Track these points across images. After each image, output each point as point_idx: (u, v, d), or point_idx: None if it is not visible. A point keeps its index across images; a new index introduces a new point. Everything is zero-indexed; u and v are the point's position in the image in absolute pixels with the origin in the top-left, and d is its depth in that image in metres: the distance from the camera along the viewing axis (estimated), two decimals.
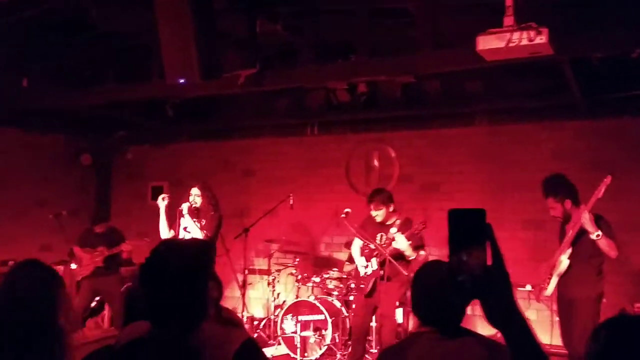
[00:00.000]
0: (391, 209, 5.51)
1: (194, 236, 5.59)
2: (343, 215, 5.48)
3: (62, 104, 6.70)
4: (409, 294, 5.24)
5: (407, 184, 7.41)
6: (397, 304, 5.66)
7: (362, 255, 5.64)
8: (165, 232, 5.78)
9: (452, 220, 1.53)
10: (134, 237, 8.61)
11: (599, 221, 4.43)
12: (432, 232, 7.17)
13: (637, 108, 6.25)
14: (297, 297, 6.57)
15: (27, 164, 8.30)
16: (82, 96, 6.45)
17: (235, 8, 5.36)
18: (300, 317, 6.19)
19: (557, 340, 5.56)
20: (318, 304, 6.24)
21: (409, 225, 5.34)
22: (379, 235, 5.45)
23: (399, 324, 5.70)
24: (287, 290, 7.35)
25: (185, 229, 5.67)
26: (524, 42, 3.26)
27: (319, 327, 6.18)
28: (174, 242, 2.04)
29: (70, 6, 5.24)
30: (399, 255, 5.28)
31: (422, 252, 5.47)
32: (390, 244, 5.24)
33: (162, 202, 5.72)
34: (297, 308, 6.30)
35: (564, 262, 4.55)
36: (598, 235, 4.32)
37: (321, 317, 6.17)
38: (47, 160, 8.59)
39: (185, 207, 5.61)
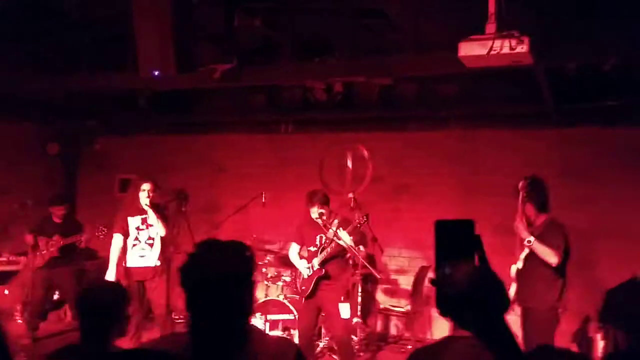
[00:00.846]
0: (328, 209, 5.52)
1: (156, 228, 5.67)
2: (316, 217, 5.41)
3: (32, 91, 6.50)
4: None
5: (379, 185, 7.41)
6: (342, 299, 5.69)
7: (301, 258, 5.65)
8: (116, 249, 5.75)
9: (439, 231, 1.50)
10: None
11: (549, 226, 4.42)
12: (403, 234, 7.26)
13: (606, 118, 6.38)
14: (266, 295, 6.51)
15: None
16: (54, 84, 6.28)
17: (213, 1, 5.27)
18: (269, 316, 6.15)
19: None
20: (287, 303, 6.20)
21: (349, 222, 5.39)
22: (318, 237, 5.48)
23: (346, 320, 5.67)
24: (258, 288, 7.28)
25: (137, 227, 5.71)
26: (506, 50, 3.27)
27: (287, 327, 6.15)
28: (217, 243, 1.83)
29: None
30: (340, 253, 5.41)
31: (361, 248, 5.57)
32: (331, 241, 5.30)
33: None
34: (266, 307, 6.25)
35: (513, 268, 4.56)
36: (529, 242, 4.34)
37: (290, 316, 6.13)
38: (13, 147, 8.34)
39: (145, 202, 5.62)
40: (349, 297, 5.99)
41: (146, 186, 5.70)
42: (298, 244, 5.66)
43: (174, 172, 7.98)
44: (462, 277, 1.53)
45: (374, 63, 5.13)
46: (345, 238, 5.23)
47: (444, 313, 1.55)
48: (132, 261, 5.71)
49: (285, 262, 7.56)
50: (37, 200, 7.32)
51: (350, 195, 6.39)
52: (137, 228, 5.72)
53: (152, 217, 5.65)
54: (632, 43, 4.22)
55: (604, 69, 5.18)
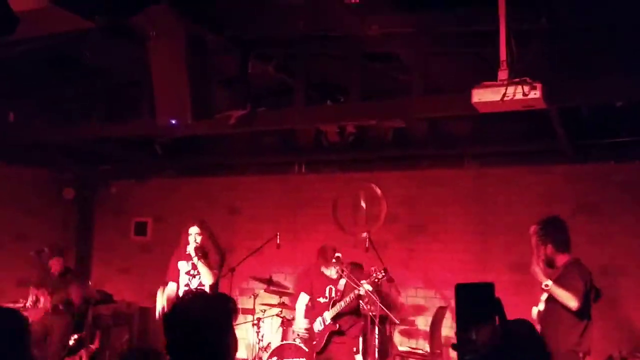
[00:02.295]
0: (340, 262, 5.41)
1: (203, 277, 5.47)
2: (334, 261, 5.35)
3: (49, 139, 6.62)
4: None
5: (393, 224, 7.40)
6: (355, 350, 5.53)
7: (306, 316, 5.58)
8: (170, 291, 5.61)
9: (460, 295, 1.51)
10: (115, 273, 8.51)
11: (569, 267, 4.32)
12: (419, 273, 7.20)
13: (621, 154, 6.37)
14: (282, 339, 6.44)
15: (8, 196, 8.14)
16: (71, 132, 6.39)
17: (227, 48, 5.38)
18: None
19: None
20: (303, 347, 6.13)
21: (360, 270, 5.35)
22: (327, 289, 5.38)
23: None
24: (272, 331, 7.21)
25: (188, 272, 5.55)
26: (519, 96, 3.31)
27: None
28: (198, 293, 2.10)
29: (61, 42, 5.21)
30: (354, 308, 5.31)
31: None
32: (342, 294, 5.24)
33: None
34: (281, 351, 6.18)
35: (535, 310, 4.48)
36: (546, 285, 4.22)
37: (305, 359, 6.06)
38: (29, 193, 8.44)
39: (191, 249, 5.43)
40: (359, 350, 5.77)
41: (193, 230, 5.51)
42: (307, 294, 5.56)
43: (188, 215, 8.01)
44: (485, 341, 1.52)
45: (386, 106, 5.18)
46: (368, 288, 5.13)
47: None
48: None
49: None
50: (53, 245, 7.37)
51: (365, 235, 6.39)
52: (188, 273, 5.54)
53: (199, 264, 5.44)
54: None
55: (617, 106, 5.22)
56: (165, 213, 8.48)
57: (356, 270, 5.38)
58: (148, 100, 5.50)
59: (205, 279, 5.46)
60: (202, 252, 5.48)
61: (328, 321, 5.27)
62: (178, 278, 5.57)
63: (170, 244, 6.60)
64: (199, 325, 1.87)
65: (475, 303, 1.50)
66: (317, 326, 5.34)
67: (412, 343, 7.06)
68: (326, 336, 5.26)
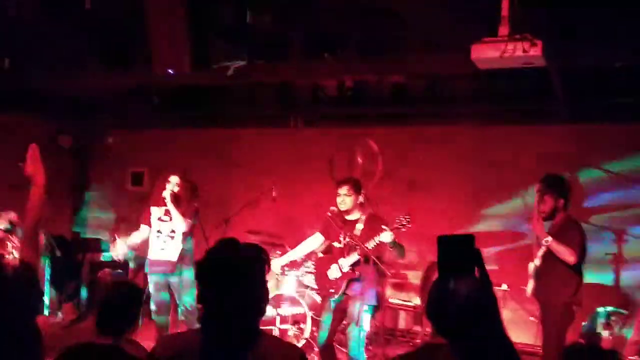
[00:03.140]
0: (360, 199, 5.05)
1: (175, 223, 5.50)
2: (329, 214, 5.07)
3: (45, 86, 6.56)
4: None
5: (389, 181, 7.44)
6: (366, 307, 5.00)
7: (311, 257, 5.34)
8: (142, 233, 5.67)
9: (441, 247, 1.56)
10: (112, 223, 8.58)
11: (567, 224, 4.47)
12: (413, 229, 7.27)
13: (617, 115, 6.38)
14: (277, 289, 6.58)
15: (2, 144, 8.10)
16: (67, 80, 6.33)
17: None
18: (280, 310, 6.22)
19: (528, 339, 5.76)
20: (298, 297, 6.27)
21: (379, 220, 4.94)
22: (342, 234, 4.97)
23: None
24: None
25: (159, 218, 5.58)
26: (518, 53, 3.30)
27: (297, 320, 6.21)
28: (231, 241, 1.94)
29: None
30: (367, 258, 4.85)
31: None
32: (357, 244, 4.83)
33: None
34: (277, 301, 6.31)
35: (531, 266, 4.63)
36: (547, 241, 4.38)
37: (301, 310, 6.20)
38: (24, 141, 8.35)
39: (166, 194, 5.48)
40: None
41: (173, 179, 5.55)
42: (323, 236, 5.22)
43: (185, 166, 8.03)
44: (466, 289, 1.58)
45: (385, 61, 5.15)
46: (387, 237, 4.72)
47: (441, 322, 1.59)
48: (154, 254, 5.60)
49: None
50: (49, 194, 7.39)
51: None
52: (159, 219, 5.60)
53: (172, 210, 5.50)
54: None
55: (617, 67, 5.21)
56: (162, 164, 8.47)
57: (375, 219, 4.99)
58: (144, 50, 5.47)
59: (178, 226, 5.50)
60: (177, 199, 5.52)
61: (345, 269, 4.94)
62: (150, 222, 5.62)
63: None
64: (233, 275, 1.83)
65: (455, 254, 1.56)
66: (334, 273, 4.99)
67: (403, 296, 7.20)
68: (345, 284, 4.94)
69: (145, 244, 5.67)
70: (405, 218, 4.78)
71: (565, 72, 5.24)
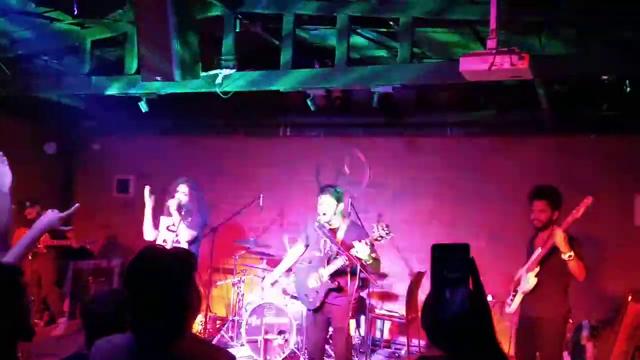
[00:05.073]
0: (340, 208, 5.01)
1: (180, 234, 5.49)
2: (317, 223, 5.02)
3: (32, 92, 6.51)
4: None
5: (376, 189, 7.47)
6: (350, 314, 5.05)
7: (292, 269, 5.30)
8: (149, 231, 5.64)
9: (436, 255, 1.55)
10: (96, 229, 8.50)
11: (572, 242, 4.36)
12: (399, 239, 7.29)
13: (602, 127, 6.45)
14: (262, 298, 6.54)
15: None
16: (54, 86, 6.28)
17: (214, 7, 5.30)
18: (265, 320, 6.18)
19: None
20: (283, 307, 6.24)
21: (360, 230, 4.94)
22: (322, 241, 4.98)
23: (350, 336, 5.34)
24: (252, 291, 7.32)
25: (168, 227, 5.55)
26: (506, 66, 3.32)
27: (283, 331, 6.18)
28: (159, 248, 2.13)
29: None
30: (350, 266, 4.82)
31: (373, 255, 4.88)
32: (337, 253, 4.82)
33: (148, 197, 5.52)
34: (262, 310, 6.28)
35: (531, 280, 4.49)
36: (570, 256, 4.27)
37: (286, 320, 6.17)
38: (10, 146, 8.27)
39: (173, 204, 5.46)
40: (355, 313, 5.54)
41: (182, 188, 5.52)
42: (303, 244, 5.24)
43: (172, 174, 7.99)
44: (460, 299, 1.57)
45: (373, 72, 5.17)
46: (363, 250, 4.66)
47: (436, 334, 1.59)
48: None
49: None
50: (34, 200, 7.34)
51: (347, 199, 6.43)
52: (168, 228, 5.54)
53: (176, 219, 5.44)
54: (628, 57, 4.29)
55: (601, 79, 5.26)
56: (149, 171, 8.43)
57: (355, 228, 5.02)
58: (133, 57, 5.44)
59: (183, 237, 5.49)
60: (185, 210, 5.49)
61: (325, 278, 4.91)
62: (158, 230, 5.63)
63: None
64: (157, 279, 1.94)
65: (450, 263, 1.55)
66: (314, 283, 4.98)
67: (389, 306, 7.20)
68: (324, 293, 4.94)
69: None
70: (384, 229, 4.71)
71: (550, 83, 5.30)
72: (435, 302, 1.60)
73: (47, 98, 7.07)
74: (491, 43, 3.47)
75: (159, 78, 4.57)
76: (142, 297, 1.93)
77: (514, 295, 4.64)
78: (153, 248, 2.09)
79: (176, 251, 2.22)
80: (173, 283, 1.94)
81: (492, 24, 3.47)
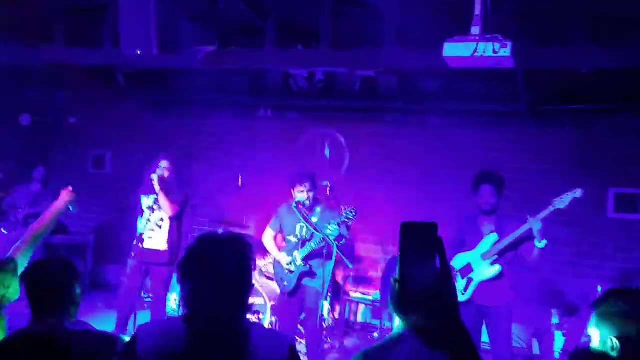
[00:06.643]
0: (312, 194, 5.16)
1: (163, 209, 5.49)
2: (301, 206, 5.12)
3: (5, 59, 6.34)
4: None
5: (356, 174, 7.47)
6: (323, 297, 5.19)
7: (278, 247, 5.32)
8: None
9: (405, 232, 1.56)
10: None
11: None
12: (374, 224, 7.32)
13: (581, 121, 6.52)
14: None
15: None
16: (29, 54, 6.12)
17: None
18: None
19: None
20: (258, 287, 6.23)
21: (334, 213, 5.05)
22: (297, 226, 5.14)
23: (322, 320, 5.41)
24: None
25: (150, 207, 5.54)
26: (489, 53, 3.32)
27: (257, 311, 6.18)
28: (219, 235, 2.05)
29: None
30: (324, 249, 4.95)
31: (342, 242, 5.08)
32: (312, 235, 4.98)
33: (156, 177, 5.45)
34: None
35: (490, 268, 4.53)
36: (545, 244, 4.30)
37: (261, 300, 6.17)
38: None
39: (155, 178, 5.42)
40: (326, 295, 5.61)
41: (163, 163, 5.52)
42: (273, 230, 5.37)
43: (149, 150, 7.89)
44: (427, 276, 1.58)
45: (358, 55, 5.14)
46: (335, 231, 4.84)
47: (403, 309, 1.59)
48: (144, 243, 5.54)
49: (260, 245, 7.59)
50: (10, 172, 7.21)
51: (326, 183, 6.41)
52: (149, 208, 5.54)
53: (160, 195, 5.41)
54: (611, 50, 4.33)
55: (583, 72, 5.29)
56: (126, 147, 8.31)
57: (329, 212, 5.13)
58: (112, 28, 5.32)
59: (166, 212, 5.48)
60: (166, 185, 5.45)
61: (299, 262, 5.05)
62: (142, 211, 5.62)
63: (129, 179, 6.49)
64: (233, 263, 1.93)
65: (418, 240, 1.56)
66: (289, 266, 5.13)
67: (363, 290, 7.24)
68: (297, 277, 5.07)
69: None
70: (351, 211, 4.89)
71: (532, 74, 5.32)
72: (402, 280, 1.60)
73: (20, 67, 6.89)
74: (475, 30, 3.47)
75: (138, 52, 4.49)
76: (201, 293, 1.89)
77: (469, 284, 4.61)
78: (212, 234, 2.04)
79: (236, 240, 2.07)
80: (245, 265, 1.95)
81: (477, 10, 3.46)
